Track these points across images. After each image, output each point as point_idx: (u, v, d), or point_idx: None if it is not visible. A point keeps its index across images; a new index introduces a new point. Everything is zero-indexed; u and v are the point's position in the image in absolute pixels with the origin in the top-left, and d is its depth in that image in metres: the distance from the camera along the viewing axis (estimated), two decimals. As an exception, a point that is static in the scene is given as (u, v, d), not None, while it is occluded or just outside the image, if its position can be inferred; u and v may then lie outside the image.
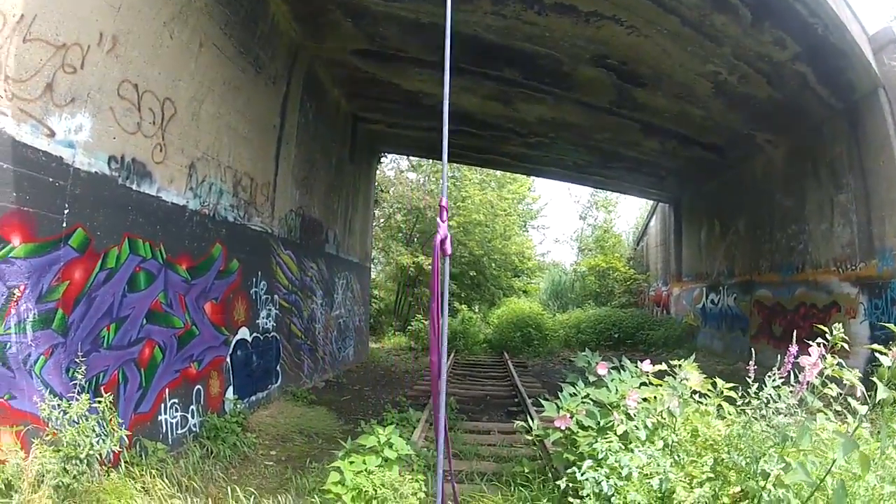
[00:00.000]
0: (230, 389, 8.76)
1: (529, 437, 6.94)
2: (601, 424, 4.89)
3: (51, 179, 5.15)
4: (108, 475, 5.15)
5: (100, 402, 5.11)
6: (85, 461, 4.65)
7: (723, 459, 3.95)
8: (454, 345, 21.67)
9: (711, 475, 3.92)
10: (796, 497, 3.28)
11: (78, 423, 4.72)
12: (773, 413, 3.79)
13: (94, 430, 4.80)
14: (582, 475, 4.33)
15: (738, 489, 3.68)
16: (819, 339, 3.62)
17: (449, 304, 26.68)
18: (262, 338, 10.09)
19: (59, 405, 4.76)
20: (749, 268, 17.32)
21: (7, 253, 4.65)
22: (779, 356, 3.91)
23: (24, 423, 4.65)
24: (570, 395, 5.55)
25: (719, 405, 4.56)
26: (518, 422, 7.82)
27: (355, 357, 16.97)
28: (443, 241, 2.33)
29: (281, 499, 5.38)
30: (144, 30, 6.39)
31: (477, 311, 28.67)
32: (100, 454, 4.84)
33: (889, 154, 11.03)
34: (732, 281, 18.49)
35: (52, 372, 5.09)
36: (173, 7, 6.90)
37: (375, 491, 4.82)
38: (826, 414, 3.70)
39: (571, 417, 5.16)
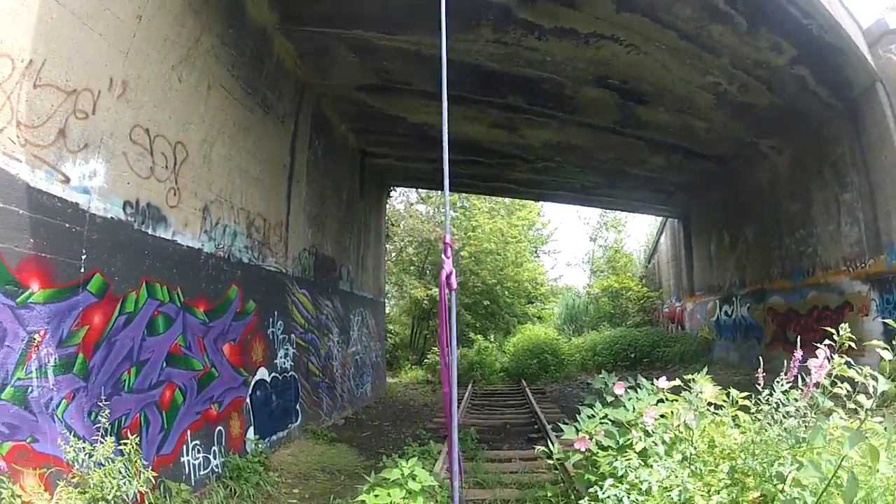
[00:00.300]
0: (251, 430, 8.71)
1: (551, 462, 6.88)
2: (620, 443, 4.89)
3: (67, 225, 5.17)
4: (135, 517, 5.10)
5: (125, 444, 5.08)
6: (111, 502, 4.61)
7: (739, 466, 3.94)
8: (471, 375, 21.52)
9: (729, 482, 3.91)
10: (813, 495, 3.25)
11: (104, 465, 4.70)
12: (783, 416, 3.80)
13: (120, 472, 4.77)
14: (604, 493, 4.29)
15: (756, 494, 3.66)
16: (827, 341, 3.64)
17: (464, 335, 26.86)
18: (280, 377, 10.05)
19: (83, 448, 4.74)
20: (760, 276, 17.26)
21: (27, 298, 4.66)
22: (787, 361, 3.94)
23: (47, 465, 4.63)
24: (589, 416, 5.54)
25: (735, 415, 4.55)
26: (539, 447, 7.74)
27: (373, 393, 16.86)
28: (448, 276, 2.36)
29: (309, 536, 5.30)
30: (153, 74, 6.47)
31: (492, 340, 28.54)
32: (126, 495, 4.80)
33: (891, 147, 11.05)
34: (744, 291, 18.41)
35: (75, 415, 5.07)
36: (180, 50, 7.00)
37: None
38: (838, 412, 3.74)
39: (591, 438, 5.15)
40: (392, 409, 15.41)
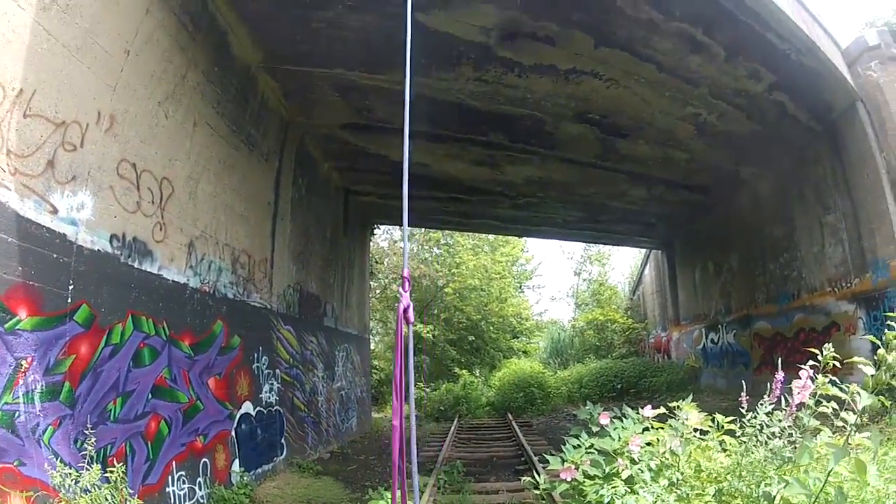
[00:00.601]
0: (236, 462, 8.68)
1: (537, 492, 6.91)
2: (606, 472, 4.89)
3: (55, 255, 5.25)
4: (120, 544, 5.09)
5: (111, 471, 5.11)
6: (99, 529, 4.63)
7: (725, 489, 3.98)
8: (457, 409, 21.48)
9: None
10: None
11: (90, 492, 4.72)
12: (768, 437, 3.84)
13: (106, 499, 4.79)
14: None
15: None
16: (810, 361, 3.72)
17: (449, 370, 26.82)
18: (265, 411, 10.05)
19: (70, 474, 4.76)
20: (745, 302, 17.40)
21: (14, 325, 4.71)
22: (769, 385, 3.99)
23: (33, 489, 4.63)
24: (575, 446, 5.56)
25: (721, 439, 4.61)
26: (525, 478, 7.78)
27: (359, 427, 16.78)
28: (406, 310, 2.45)
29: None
30: (140, 109, 6.61)
31: (478, 374, 28.48)
32: (113, 523, 4.81)
33: (872, 165, 11.23)
34: (730, 318, 18.54)
35: (61, 442, 5.09)
36: (167, 86, 7.16)
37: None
38: (825, 431, 3.78)
39: (577, 468, 5.17)
40: (377, 444, 15.31)
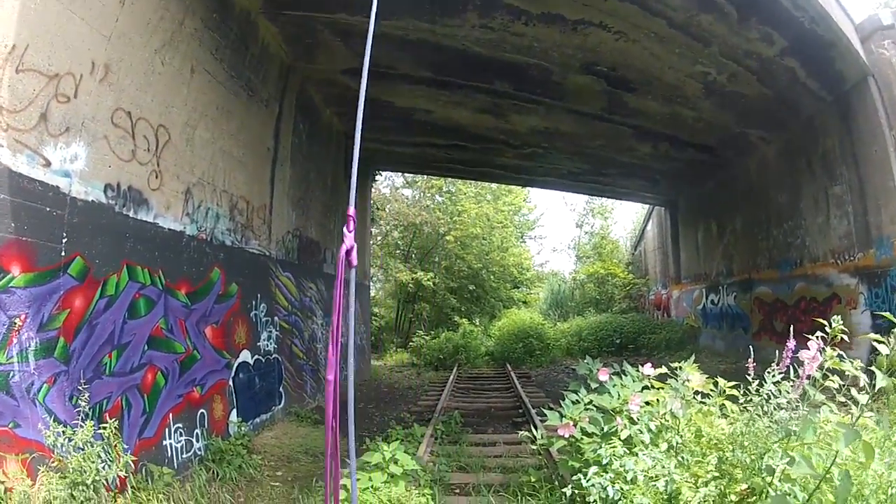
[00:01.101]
0: (234, 412, 8.74)
1: (535, 447, 6.93)
2: (605, 430, 4.87)
3: (48, 209, 5.17)
4: (115, 501, 5.12)
5: (104, 428, 5.10)
6: (91, 487, 4.64)
7: (727, 458, 3.93)
8: (456, 358, 21.69)
9: (717, 474, 3.88)
10: (803, 490, 3.26)
11: (83, 450, 4.72)
12: (774, 409, 3.75)
13: (99, 456, 4.80)
14: (588, 482, 4.31)
15: (744, 486, 3.66)
16: (819, 333, 3.62)
17: (449, 318, 26.90)
18: (263, 360, 10.09)
19: (63, 432, 4.75)
20: (748, 266, 17.35)
21: (7, 283, 4.66)
22: (779, 352, 3.88)
23: (29, 450, 4.65)
24: (573, 402, 5.52)
25: (722, 404, 4.54)
26: (523, 432, 7.80)
27: (358, 375, 16.92)
28: (349, 252, 2.28)
29: (289, 519, 5.32)
30: (136, 58, 6.43)
31: (478, 323, 28.67)
32: (106, 479, 4.83)
33: (881, 142, 11.06)
34: (731, 280, 18.52)
35: (56, 400, 5.08)
36: (163, 34, 6.95)
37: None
38: (829, 406, 3.70)
39: (575, 425, 5.14)
40: (376, 392, 15.46)
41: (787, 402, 3.72)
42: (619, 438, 4.58)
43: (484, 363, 22.59)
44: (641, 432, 4.56)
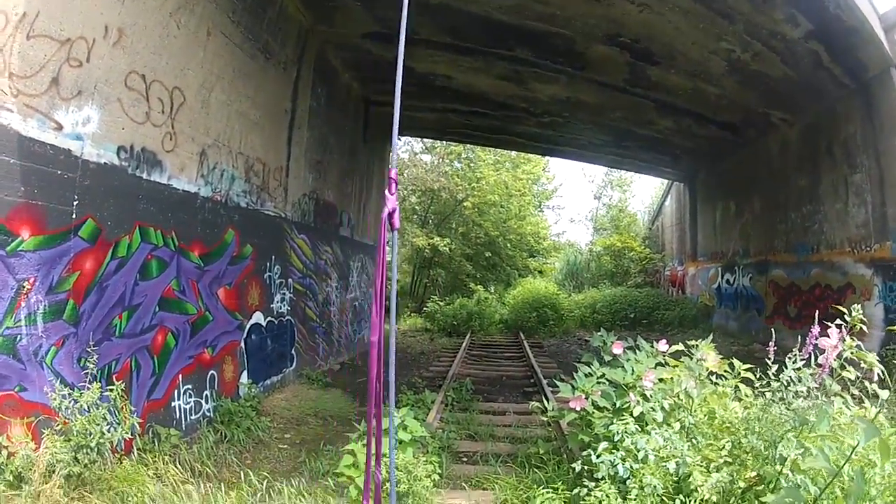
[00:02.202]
0: (244, 374, 8.85)
1: (545, 418, 6.93)
2: (617, 405, 4.81)
3: (59, 172, 5.19)
4: (121, 463, 5.21)
5: (111, 390, 5.17)
6: (96, 449, 4.70)
7: (740, 443, 3.89)
8: (470, 325, 21.78)
9: (729, 459, 3.82)
10: (813, 483, 3.22)
11: (89, 412, 4.78)
12: (793, 396, 3.67)
13: (104, 419, 4.86)
14: (597, 457, 4.27)
15: (754, 473, 3.62)
16: (838, 321, 3.56)
17: (464, 285, 26.93)
18: (276, 322, 10.17)
19: (69, 394, 4.82)
20: (764, 248, 17.11)
21: (17, 247, 4.71)
22: (795, 337, 3.83)
23: (35, 414, 4.73)
24: (586, 375, 5.46)
25: (736, 386, 4.49)
26: (533, 402, 7.81)
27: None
28: (391, 214, 2.23)
29: (294, 482, 5.35)
30: (150, 21, 6.39)
31: (493, 291, 28.68)
32: (111, 442, 4.89)
33: (903, 135, 10.76)
34: (748, 261, 18.30)
35: (64, 362, 5.17)
36: (179, -4, 6.89)
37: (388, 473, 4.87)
38: (844, 398, 3.65)
39: (587, 398, 5.09)
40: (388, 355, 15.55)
41: (808, 391, 3.66)
42: (632, 415, 4.51)
43: (497, 331, 22.69)
44: (654, 410, 4.48)
